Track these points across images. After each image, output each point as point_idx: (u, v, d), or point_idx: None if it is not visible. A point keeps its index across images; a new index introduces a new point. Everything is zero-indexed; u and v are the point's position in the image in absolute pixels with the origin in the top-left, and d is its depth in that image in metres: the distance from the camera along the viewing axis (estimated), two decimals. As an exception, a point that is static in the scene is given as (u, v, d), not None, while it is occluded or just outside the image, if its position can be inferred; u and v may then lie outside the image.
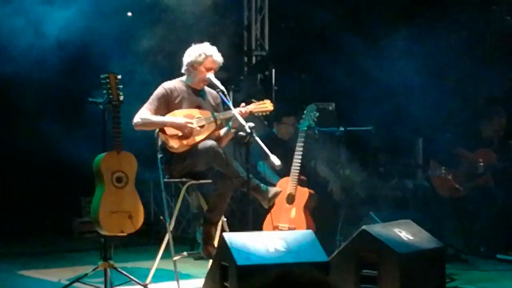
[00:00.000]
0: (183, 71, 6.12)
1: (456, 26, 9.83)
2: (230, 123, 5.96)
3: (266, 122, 8.63)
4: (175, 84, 6.08)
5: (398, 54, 9.49)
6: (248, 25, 10.43)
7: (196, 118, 5.91)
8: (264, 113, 6.04)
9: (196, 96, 6.09)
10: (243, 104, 5.96)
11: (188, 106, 6.02)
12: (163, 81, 6.10)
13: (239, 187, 5.96)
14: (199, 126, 5.89)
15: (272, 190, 5.94)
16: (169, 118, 5.90)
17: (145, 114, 5.92)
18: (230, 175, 5.78)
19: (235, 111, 5.78)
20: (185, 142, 5.87)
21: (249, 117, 5.92)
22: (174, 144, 5.88)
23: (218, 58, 6.06)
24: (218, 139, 6.07)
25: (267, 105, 6.01)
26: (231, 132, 6.04)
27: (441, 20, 9.67)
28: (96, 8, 8.11)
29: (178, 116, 5.90)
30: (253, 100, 6.05)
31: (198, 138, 5.86)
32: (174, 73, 6.28)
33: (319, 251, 5.05)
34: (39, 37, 7.88)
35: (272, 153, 5.59)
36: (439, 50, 9.78)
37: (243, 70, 10.25)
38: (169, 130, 5.90)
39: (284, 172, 6.89)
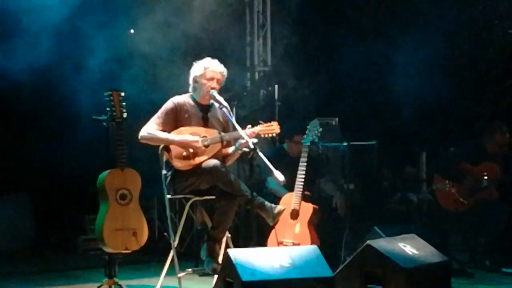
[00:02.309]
0: (190, 89, 6.15)
1: (458, 40, 9.85)
2: (237, 145, 5.95)
3: (270, 139, 8.61)
4: (184, 99, 6.10)
5: (400, 68, 9.51)
6: (251, 40, 10.46)
7: (202, 137, 5.91)
8: (271, 135, 6.03)
9: (204, 112, 6.11)
10: (249, 126, 5.95)
11: (196, 122, 6.03)
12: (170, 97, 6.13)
13: (243, 205, 5.96)
14: (204, 146, 5.88)
15: (277, 208, 5.94)
16: (175, 136, 5.90)
17: (151, 128, 5.93)
18: (234, 194, 5.78)
19: (242, 132, 5.76)
20: (189, 162, 5.86)
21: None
22: (178, 163, 5.88)
23: (218, 67, 6.08)
24: (224, 158, 6.08)
25: (274, 127, 6.00)
26: (237, 152, 6.04)
27: (443, 34, 9.69)
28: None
29: (184, 134, 5.90)
30: (260, 121, 6.04)
31: (202, 158, 5.86)
32: (179, 90, 6.30)
33: (324, 266, 5.05)
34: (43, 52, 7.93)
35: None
36: (442, 63, 9.80)
37: (246, 86, 10.27)
38: (174, 149, 5.89)
39: (292, 187, 6.90)
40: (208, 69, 6.05)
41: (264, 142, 7.58)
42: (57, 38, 7.84)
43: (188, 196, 5.97)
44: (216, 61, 6.11)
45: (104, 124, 5.83)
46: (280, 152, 7.66)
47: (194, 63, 6.15)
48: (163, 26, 8.62)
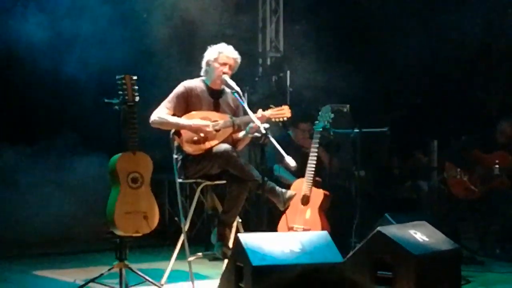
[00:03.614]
0: (202, 73, 6.14)
1: (469, 30, 9.80)
2: (248, 129, 5.94)
3: (281, 124, 8.61)
4: (195, 83, 6.09)
5: (411, 56, 9.49)
6: (263, 26, 10.44)
7: (213, 121, 5.91)
8: (281, 119, 6.02)
9: (215, 97, 6.10)
10: (260, 110, 5.95)
11: (207, 106, 6.02)
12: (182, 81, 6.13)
13: (254, 190, 5.97)
14: (215, 130, 5.88)
15: (287, 193, 5.94)
16: (185, 120, 5.90)
17: (162, 113, 5.93)
18: (245, 179, 5.78)
19: (253, 116, 5.76)
20: (200, 146, 5.87)
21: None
22: (188, 147, 5.88)
23: (232, 53, 6.07)
24: (235, 143, 6.07)
25: (285, 111, 5.99)
26: (248, 137, 6.04)
27: (454, 24, 9.65)
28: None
29: (194, 119, 5.90)
30: (271, 105, 6.03)
31: (213, 143, 5.86)
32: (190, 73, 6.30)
33: (334, 252, 5.05)
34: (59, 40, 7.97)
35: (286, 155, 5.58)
36: (454, 53, 9.77)
37: (258, 71, 10.26)
38: (185, 134, 5.90)
39: (298, 173, 6.88)
40: (222, 53, 6.04)
41: (276, 128, 7.57)
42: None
43: (199, 180, 5.98)
44: (231, 47, 6.10)
45: (116, 107, 5.83)
46: (285, 139, 7.63)
47: (208, 47, 6.13)
48: (175, 11, 8.62)
